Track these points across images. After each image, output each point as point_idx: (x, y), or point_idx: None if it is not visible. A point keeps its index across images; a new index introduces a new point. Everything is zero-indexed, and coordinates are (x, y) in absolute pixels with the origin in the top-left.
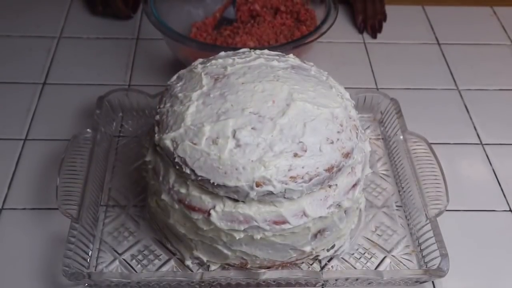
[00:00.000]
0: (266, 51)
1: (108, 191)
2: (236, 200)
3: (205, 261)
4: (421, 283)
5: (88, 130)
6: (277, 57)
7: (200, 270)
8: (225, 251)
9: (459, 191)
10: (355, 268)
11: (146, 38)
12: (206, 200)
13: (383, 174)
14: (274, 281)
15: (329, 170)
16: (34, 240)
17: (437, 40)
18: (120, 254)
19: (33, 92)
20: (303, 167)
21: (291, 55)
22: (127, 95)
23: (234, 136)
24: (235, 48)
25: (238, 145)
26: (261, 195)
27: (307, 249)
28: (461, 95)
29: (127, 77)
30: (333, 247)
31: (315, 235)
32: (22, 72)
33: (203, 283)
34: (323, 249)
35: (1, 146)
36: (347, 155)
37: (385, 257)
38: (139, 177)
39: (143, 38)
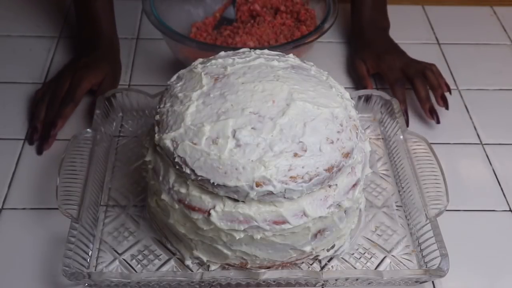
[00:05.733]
0: (266, 51)
1: (108, 191)
2: (236, 200)
3: (205, 261)
4: (421, 283)
5: (88, 130)
6: (277, 57)
7: (200, 270)
8: (225, 251)
9: (459, 191)
10: (355, 268)
11: (146, 38)
12: (206, 200)
13: (383, 174)
14: (274, 281)
15: (329, 170)
16: (34, 240)
17: (437, 40)
18: (120, 254)
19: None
20: (303, 167)
21: (291, 55)
22: (127, 95)
23: (234, 136)
24: (235, 48)
25: (238, 145)
26: (261, 195)
27: (307, 249)
28: (461, 95)
29: (127, 77)
30: (333, 247)
31: (315, 235)
32: (22, 72)
33: (203, 283)
34: (323, 249)
35: (1, 146)
36: (347, 155)
37: (385, 257)
38: (139, 177)
39: (143, 38)
